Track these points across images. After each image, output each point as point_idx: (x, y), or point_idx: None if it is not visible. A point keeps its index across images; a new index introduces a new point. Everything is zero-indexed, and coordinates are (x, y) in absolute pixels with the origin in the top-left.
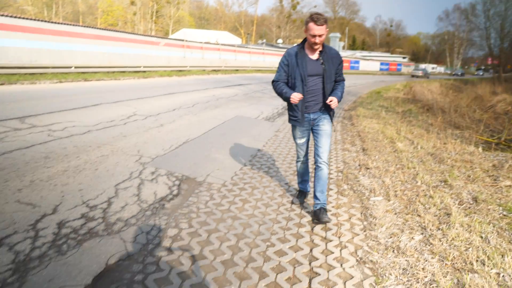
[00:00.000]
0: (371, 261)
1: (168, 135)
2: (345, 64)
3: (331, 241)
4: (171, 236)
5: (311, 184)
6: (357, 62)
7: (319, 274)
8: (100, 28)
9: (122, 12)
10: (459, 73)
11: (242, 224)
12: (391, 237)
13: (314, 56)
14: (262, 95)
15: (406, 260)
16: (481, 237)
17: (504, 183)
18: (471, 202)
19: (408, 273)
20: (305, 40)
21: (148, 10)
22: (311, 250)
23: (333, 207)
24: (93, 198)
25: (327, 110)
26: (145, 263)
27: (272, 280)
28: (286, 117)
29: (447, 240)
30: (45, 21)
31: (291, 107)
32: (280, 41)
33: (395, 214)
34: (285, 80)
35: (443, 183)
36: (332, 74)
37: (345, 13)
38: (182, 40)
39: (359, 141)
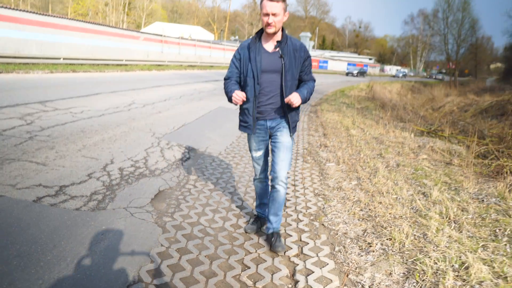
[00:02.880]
0: (323, 194)
1: (168, 120)
2: (314, 64)
3: (297, 186)
4: (193, 179)
5: None
6: (325, 62)
7: (290, 200)
8: (84, 21)
9: (93, 2)
10: (400, 75)
11: (238, 175)
12: (337, 183)
13: (271, 47)
14: None
15: (344, 193)
16: (394, 182)
17: (422, 156)
18: (395, 166)
19: (344, 198)
20: (262, 30)
21: (120, 1)
22: None
23: (300, 169)
24: (133, 156)
25: (286, 116)
26: (182, 190)
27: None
28: None
29: (372, 183)
30: (34, 12)
31: (241, 111)
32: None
33: (342, 172)
34: (237, 78)
35: (379, 156)
36: (294, 71)
37: (316, 12)
38: (161, 36)
39: (321, 128)
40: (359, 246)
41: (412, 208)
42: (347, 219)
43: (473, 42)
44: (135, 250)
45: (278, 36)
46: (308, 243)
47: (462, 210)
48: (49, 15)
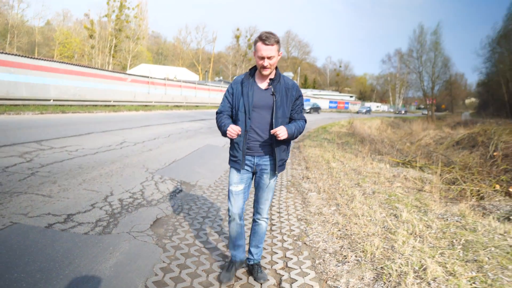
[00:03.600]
0: (305, 219)
1: (159, 157)
2: None
3: (281, 212)
4: (187, 208)
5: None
6: (308, 100)
7: (275, 225)
8: (73, 64)
9: (79, 44)
10: (364, 110)
11: (227, 205)
12: (318, 209)
13: (264, 85)
14: None
15: (324, 217)
16: (369, 207)
17: (396, 184)
18: (370, 193)
19: (324, 221)
20: (255, 67)
21: (106, 44)
22: (271, 216)
23: (284, 198)
24: (131, 189)
25: (274, 153)
26: (177, 218)
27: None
28: None
29: (349, 208)
30: (23, 56)
31: (232, 145)
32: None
33: (322, 200)
34: (230, 112)
35: (356, 185)
36: (285, 109)
37: (298, 53)
38: (147, 77)
39: (304, 162)
40: (336, 259)
41: (384, 227)
42: (326, 238)
43: (447, 79)
44: (141, 265)
45: (272, 74)
46: (292, 258)
47: (427, 227)
48: (38, 58)
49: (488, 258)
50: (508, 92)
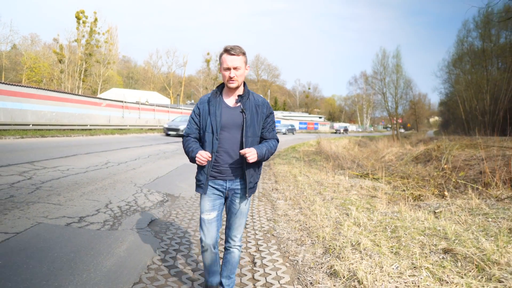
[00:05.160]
0: (274, 219)
1: (143, 174)
2: None
3: (254, 216)
4: (175, 213)
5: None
6: (278, 122)
7: (248, 224)
8: (48, 90)
9: (48, 69)
10: (284, 129)
11: None
12: (284, 212)
13: (232, 102)
14: None
15: (289, 217)
16: (326, 209)
17: (352, 192)
18: (329, 199)
19: (289, 220)
20: (223, 84)
21: (76, 69)
22: None
23: (256, 205)
24: (125, 199)
25: (244, 175)
26: (168, 220)
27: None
28: None
29: (310, 210)
30: (1, 82)
31: (198, 169)
32: None
33: (288, 205)
34: (197, 135)
35: (318, 193)
36: (255, 127)
37: (267, 76)
38: (122, 101)
39: (273, 177)
40: (296, 243)
41: (336, 221)
42: (290, 231)
43: (410, 99)
44: (146, 249)
45: (240, 91)
46: (262, 245)
47: (369, 220)
48: (14, 84)
49: (405, 234)
50: (465, 111)
